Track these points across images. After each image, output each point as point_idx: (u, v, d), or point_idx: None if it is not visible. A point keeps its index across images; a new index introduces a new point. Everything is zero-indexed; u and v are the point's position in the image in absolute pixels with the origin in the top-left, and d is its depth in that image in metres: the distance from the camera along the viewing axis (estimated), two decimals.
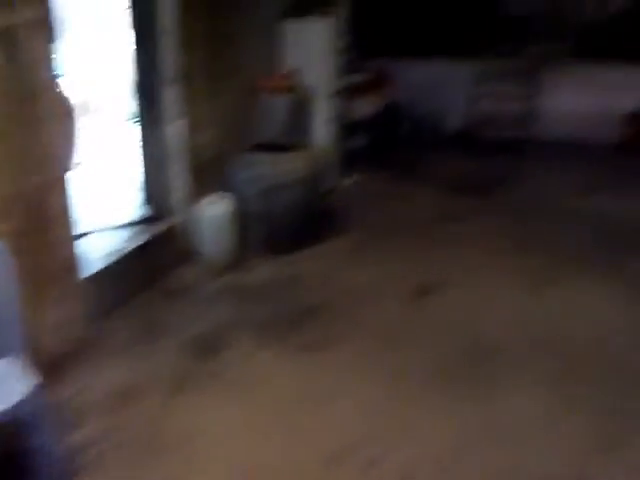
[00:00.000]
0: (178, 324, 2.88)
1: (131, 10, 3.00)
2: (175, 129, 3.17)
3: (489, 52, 7.15)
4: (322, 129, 4.57)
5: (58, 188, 2.39)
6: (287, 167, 3.46)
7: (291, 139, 3.92)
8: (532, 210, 4.46)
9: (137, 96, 3.12)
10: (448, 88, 6.67)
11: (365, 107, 5.56)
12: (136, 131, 3.18)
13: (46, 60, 2.21)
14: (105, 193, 3.71)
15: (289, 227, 3.52)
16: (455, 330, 2.84)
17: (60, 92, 4.60)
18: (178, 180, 3.25)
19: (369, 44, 6.62)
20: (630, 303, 3.05)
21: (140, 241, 3.01)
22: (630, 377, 2.48)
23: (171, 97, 3.11)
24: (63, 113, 4.59)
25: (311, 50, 4.42)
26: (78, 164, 3.66)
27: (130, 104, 3.18)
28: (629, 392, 2.39)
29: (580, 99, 6.31)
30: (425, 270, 3.44)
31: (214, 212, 3.28)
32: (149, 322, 2.88)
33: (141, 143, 3.17)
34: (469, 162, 5.79)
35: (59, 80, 4.63)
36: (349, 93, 5.44)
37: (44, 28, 2.15)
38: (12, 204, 2.18)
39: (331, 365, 2.57)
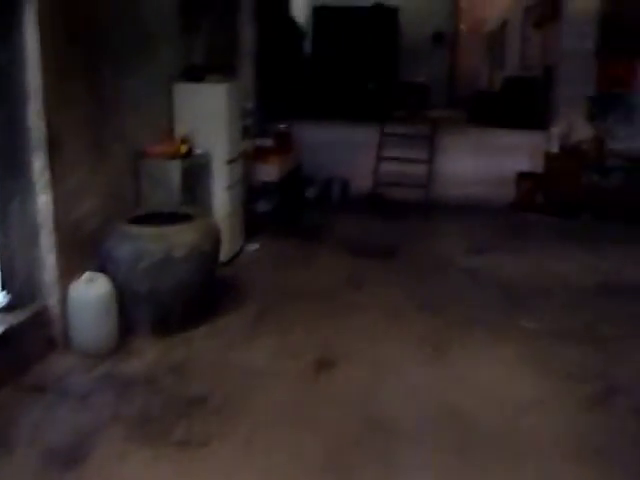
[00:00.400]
0: (40, 426, 2.47)
1: None
2: (43, 201, 2.85)
3: (392, 116, 7.44)
4: (221, 195, 4.39)
5: None
6: (177, 240, 3.22)
7: (184, 208, 3.70)
8: (433, 271, 4.50)
9: None
10: (354, 151, 6.79)
11: (270, 171, 5.48)
12: None
13: None
14: None
15: (179, 305, 3.24)
16: (353, 408, 2.65)
17: None
18: (47, 259, 2.90)
19: (274, 107, 6.66)
20: (519, 366, 3.05)
21: None
22: (523, 445, 2.41)
23: (38, 165, 2.82)
24: None
25: (208, 114, 4.29)
26: None
27: None
28: (524, 461, 2.30)
29: (476, 162, 6.62)
30: (327, 341, 3.28)
31: (90, 293, 2.94)
32: (3, 426, 2.46)
33: None
34: (375, 224, 5.82)
35: None
36: (253, 157, 5.36)
37: None
38: None
39: (215, 463, 2.27)
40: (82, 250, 3.13)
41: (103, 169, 3.43)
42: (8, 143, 2.80)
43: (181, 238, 3.23)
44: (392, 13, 8.08)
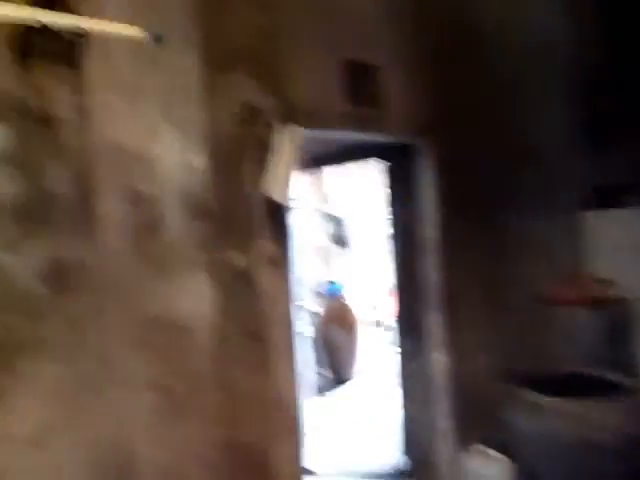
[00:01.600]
0: None
1: (392, 222, 2.79)
2: (437, 361, 2.63)
3: None
4: None
5: (286, 436, 2.05)
6: (597, 418, 2.46)
7: (603, 372, 2.91)
8: None
9: (399, 322, 2.75)
10: None
11: None
12: (396, 362, 2.77)
13: (282, 295, 2.05)
14: (357, 429, 3.31)
15: None
16: None
17: (345, 305, 4.74)
18: (441, 422, 2.60)
19: None
20: None
21: None
22: None
23: (433, 321, 2.64)
24: (347, 325, 4.67)
25: (630, 249, 3.47)
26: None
27: (393, 330, 2.83)
28: None
29: None
30: None
31: (486, 472, 2.46)
32: None
33: (401, 377, 2.71)
34: None
35: (343, 294, 4.78)
36: None
37: (281, 266, 2.02)
38: (229, 456, 1.90)
39: None
40: (476, 416, 2.71)
41: (498, 321, 3.04)
42: (408, 300, 2.76)
43: (603, 416, 2.45)
44: None
